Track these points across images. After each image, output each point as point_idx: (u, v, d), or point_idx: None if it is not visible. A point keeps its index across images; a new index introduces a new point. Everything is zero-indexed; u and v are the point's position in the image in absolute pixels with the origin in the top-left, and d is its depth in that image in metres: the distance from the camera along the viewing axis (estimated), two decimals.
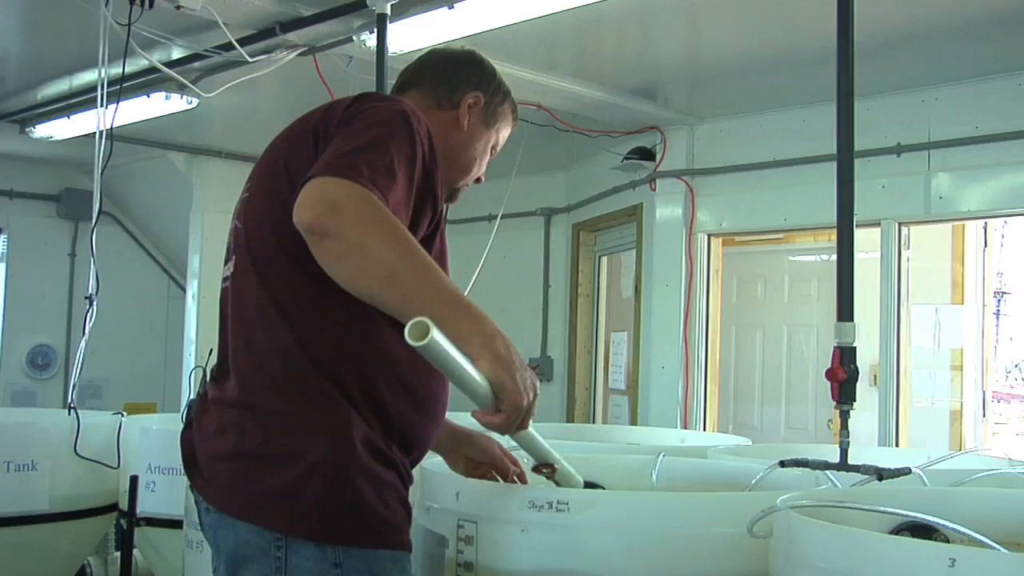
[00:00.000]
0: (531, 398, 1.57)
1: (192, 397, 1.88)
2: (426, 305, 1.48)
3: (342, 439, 1.62)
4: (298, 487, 1.60)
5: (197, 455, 1.75)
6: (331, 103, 1.79)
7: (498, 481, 2.07)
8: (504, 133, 2.09)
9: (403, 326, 1.43)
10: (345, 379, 1.64)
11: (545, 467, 2.03)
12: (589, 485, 2.26)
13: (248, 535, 1.63)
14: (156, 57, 4.33)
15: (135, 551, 3.83)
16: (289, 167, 1.72)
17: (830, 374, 2.71)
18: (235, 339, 1.73)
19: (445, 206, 1.84)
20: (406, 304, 1.50)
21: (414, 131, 1.68)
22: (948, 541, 1.63)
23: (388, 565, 1.65)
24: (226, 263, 1.82)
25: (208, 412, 1.76)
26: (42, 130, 5.83)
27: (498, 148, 2.10)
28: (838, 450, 2.65)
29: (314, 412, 1.64)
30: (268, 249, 1.69)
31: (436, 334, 1.39)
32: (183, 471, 1.80)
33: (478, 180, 2.08)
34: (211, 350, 1.88)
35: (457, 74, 2.00)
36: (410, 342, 1.39)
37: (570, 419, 6.40)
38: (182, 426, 1.86)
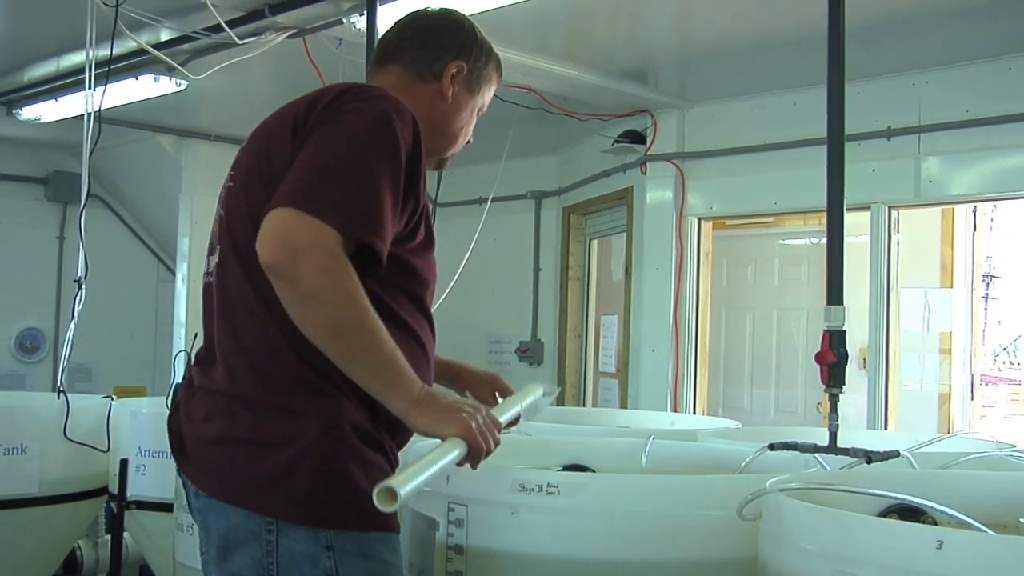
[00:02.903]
0: (479, 420, 1.66)
1: (178, 381, 1.87)
2: (364, 366, 1.60)
3: (333, 424, 1.64)
4: (289, 471, 1.61)
5: (185, 440, 1.75)
6: (319, 93, 1.76)
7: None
8: (489, 94, 2.04)
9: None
10: (329, 366, 1.63)
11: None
12: (579, 468, 2.26)
13: (238, 519, 1.63)
14: (144, 39, 4.29)
15: (125, 534, 3.84)
16: (270, 157, 1.72)
17: (819, 357, 2.72)
18: (222, 331, 1.73)
19: (430, 195, 1.84)
20: (347, 360, 1.60)
21: (397, 136, 1.66)
22: (936, 523, 1.64)
23: (379, 547, 1.66)
24: (210, 254, 1.81)
25: (195, 397, 1.76)
26: (29, 112, 5.79)
27: (484, 109, 2.05)
28: (827, 433, 2.66)
29: (302, 399, 1.65)
30: (248, 239, 1.66)
31: (402, 491, 1.48)
32: (171, 455, 1.81)
33: (468, 142, 2.05)
34: (196, 334, 1.87)
35: (438, 44, 1.95)
36: (384, 509, 1.48)
37: (560, 402, 6.40)
38: (168, 411, 1.87)
